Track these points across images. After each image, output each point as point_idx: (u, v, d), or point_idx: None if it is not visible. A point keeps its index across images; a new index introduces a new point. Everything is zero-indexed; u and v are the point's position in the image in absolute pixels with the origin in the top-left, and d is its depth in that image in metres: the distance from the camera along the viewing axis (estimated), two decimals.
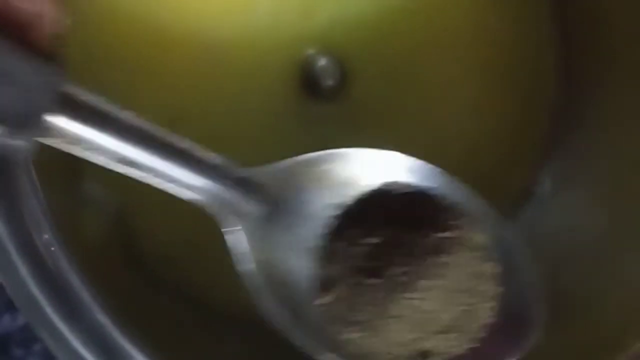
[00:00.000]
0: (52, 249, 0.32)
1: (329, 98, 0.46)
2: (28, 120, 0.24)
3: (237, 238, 0.31)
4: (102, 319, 0.33)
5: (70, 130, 0.25)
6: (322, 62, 0.45)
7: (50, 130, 0.25)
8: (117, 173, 0.44)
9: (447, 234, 0.32)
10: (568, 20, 0.47)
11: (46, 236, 0.32)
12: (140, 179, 0.28)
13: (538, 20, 0.47)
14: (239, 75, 0.45)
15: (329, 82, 0.45)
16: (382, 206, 0.33)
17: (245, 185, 0.31)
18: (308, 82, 0.45)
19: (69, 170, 0.42)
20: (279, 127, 0.45)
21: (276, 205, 0.32)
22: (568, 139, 0.46)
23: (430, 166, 0.34)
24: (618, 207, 0.42)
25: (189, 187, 0.29)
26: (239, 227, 0.31)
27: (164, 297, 0.44)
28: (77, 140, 0.26)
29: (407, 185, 0.33)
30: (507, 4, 0.47)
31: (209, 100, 0.45)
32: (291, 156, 0.44)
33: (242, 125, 0.45)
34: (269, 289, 0.32)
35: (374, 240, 0.32)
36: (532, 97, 0.47)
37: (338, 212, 0.33)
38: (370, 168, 0.34)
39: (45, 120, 0.25)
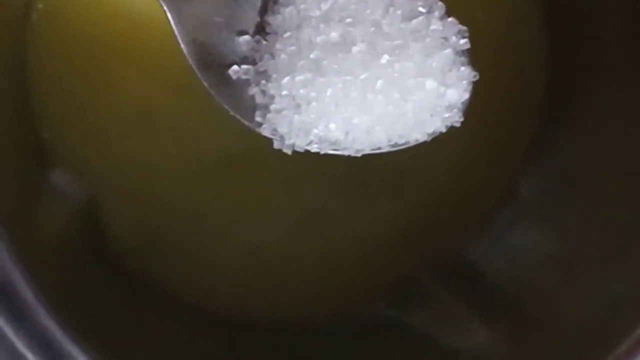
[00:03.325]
0: None
1: None
2: None
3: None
4: (48, 321, 0.32)
5: None
6: None
7: None
8: (88, 163, 0.43)
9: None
10: (555, 22, 0.45)
11: None
12: None
13: (526, 19, 0.46)
14: None
15: None
16: None
17: None
18: None
19: (31, 159, 0.42)
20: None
21: None
22: (552, 142, 0.45)
23: None
24: (597, 217, 0.41)
25: None
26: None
27: (130, 292, 0.43)
28: None
29: None
30: (495, 1, 0.45)
31: (178, 95, 0.43)
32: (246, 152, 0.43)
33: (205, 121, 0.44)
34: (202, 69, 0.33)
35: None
36: (518, 98, 0.46)
37: None
38: None
39: None
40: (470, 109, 0.45)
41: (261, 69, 0.33)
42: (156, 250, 0.45)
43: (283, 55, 0.32)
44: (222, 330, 0.45)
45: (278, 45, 0.32)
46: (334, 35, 0.31)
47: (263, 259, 0.45)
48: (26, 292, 0.32)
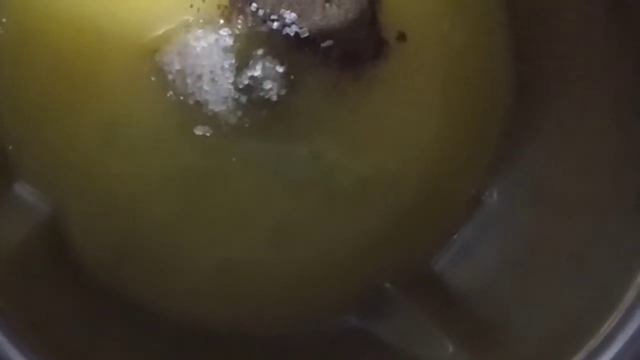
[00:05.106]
0: None
1: (274, 103, 0.44)
2: None
3: None
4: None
5: None
6: (267, 63, 0.44)
7: None
8: (54, 175, 0.43)
9: None
10: (520, 31, 0.45)
11: None
12: None
13: (492, 29, 0.46)
14: None
15: (269, 85, 0.44)
16: None
17: None
18: (247, 88, 0.44)
19: None
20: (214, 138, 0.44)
21: None
22: (516, 154, 0.45)
23: None
24: (559, 227, 0.41)
25: None
26: None
27: (95, 304, 0.43)
28: None
29: None
30: (460, 11, 0.45)
31: (142, 109, 0.43)
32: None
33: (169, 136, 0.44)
34: None
35: None
36: (484, 109, 0.46)
37: None
38: None
39: None
40: (438, 119, 0.46)
41: None
42: (122, 263, 0.45)
43: None
44: (192, 341, 0.45)
45: None
46: None
47: (232, 272, 0.45)
48: None
